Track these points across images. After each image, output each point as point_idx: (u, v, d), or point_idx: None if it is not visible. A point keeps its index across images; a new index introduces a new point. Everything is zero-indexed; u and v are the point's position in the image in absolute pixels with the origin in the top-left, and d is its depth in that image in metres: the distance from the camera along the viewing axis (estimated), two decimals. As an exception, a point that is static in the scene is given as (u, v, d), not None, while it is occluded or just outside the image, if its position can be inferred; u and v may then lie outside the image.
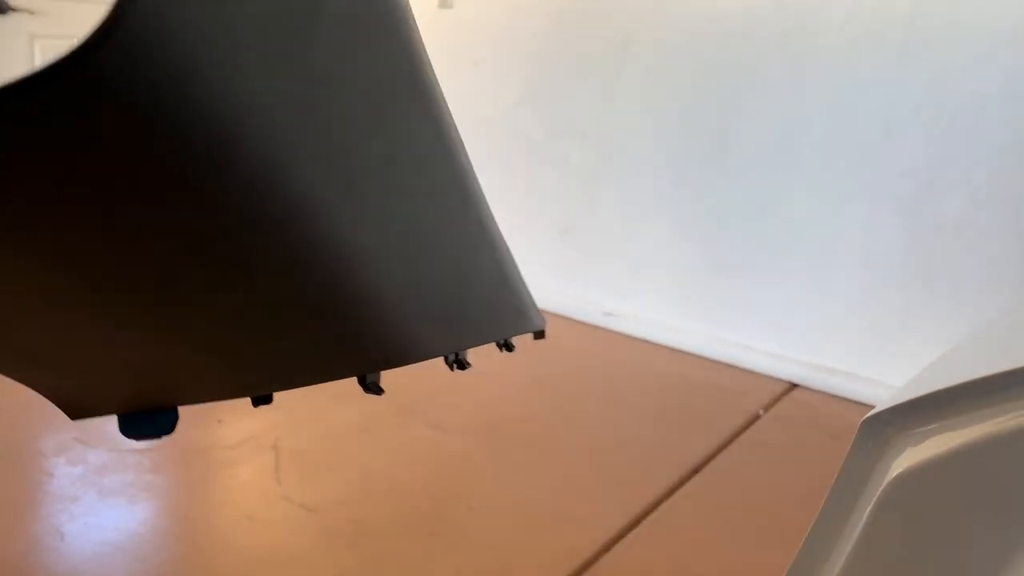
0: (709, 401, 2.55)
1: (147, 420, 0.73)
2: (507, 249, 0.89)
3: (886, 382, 2.54)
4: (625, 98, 2.93)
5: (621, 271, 3.04)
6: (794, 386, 2.66)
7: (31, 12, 3.60)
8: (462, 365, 0.90)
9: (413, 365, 0.76)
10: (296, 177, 0.48)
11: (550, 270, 3.19)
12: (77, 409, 0.70)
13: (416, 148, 0.65)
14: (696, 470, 2.09)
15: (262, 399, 0.79)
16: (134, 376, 0.68)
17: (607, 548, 1.74)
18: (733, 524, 1.87)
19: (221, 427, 2.12)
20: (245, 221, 0.48)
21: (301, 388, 0.83)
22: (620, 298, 3.05)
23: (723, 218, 2.80)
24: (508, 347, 1.01)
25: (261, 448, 2.02)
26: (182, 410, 0.74)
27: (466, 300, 0.85)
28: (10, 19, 3.51)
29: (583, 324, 3.07)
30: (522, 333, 1.03)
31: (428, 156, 0.67)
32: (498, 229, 0.85)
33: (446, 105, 0.68)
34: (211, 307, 0.57)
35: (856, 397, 2.58)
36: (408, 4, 0.59)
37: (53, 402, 0.68)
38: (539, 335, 1.08)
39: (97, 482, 1.82)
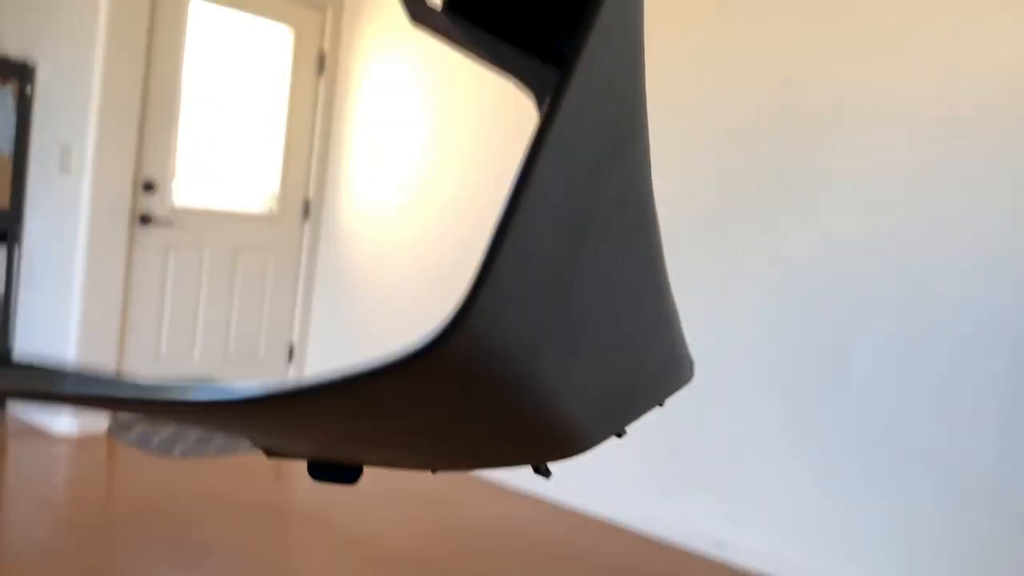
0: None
1: (334, 470, 0.80)
2: (675, 310, 0.91)
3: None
4: (733, 319, 2.90)
5: (734, 497, 2.89)
6: (930, 639, 2.41)
7: (169, 224, 3.86)
8: (619, 435, 0.90)
9: None
10: (538, 369, 0.52)
11: (656, 493, 3.06)
12: (272, 453, 0.79)
13: (635, 287, 0.69)
14: None
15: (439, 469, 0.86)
16: (332, 450, 0.76)
17: None
18: None
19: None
20: (495, 407, 0.54)
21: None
22: (733, 526, 2.88)
23: (844, 446, 2.66)
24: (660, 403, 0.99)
25: None
26: None
27: (641, 386, 0.87)
28: (150, 229, 3.78)
29: (692, 553, 2.89)
30: (676, 391, 1.01)
31: (643, 293, 0.71)
32: (671, 295, 0.87)
33: (658, 230, 0.72)
34: (435, 446, 0.66)
35: (1004, 657, 2.31)
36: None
37: (255, 446, 0.76)
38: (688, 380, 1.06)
39: None
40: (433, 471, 0.86)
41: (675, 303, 0.92)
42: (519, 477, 3.37)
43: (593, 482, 3.20)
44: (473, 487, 3.39)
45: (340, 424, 0.54)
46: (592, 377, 0.68)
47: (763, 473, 2.83)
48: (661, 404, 1.02)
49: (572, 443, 0.71)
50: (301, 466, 3.62)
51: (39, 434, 3.48)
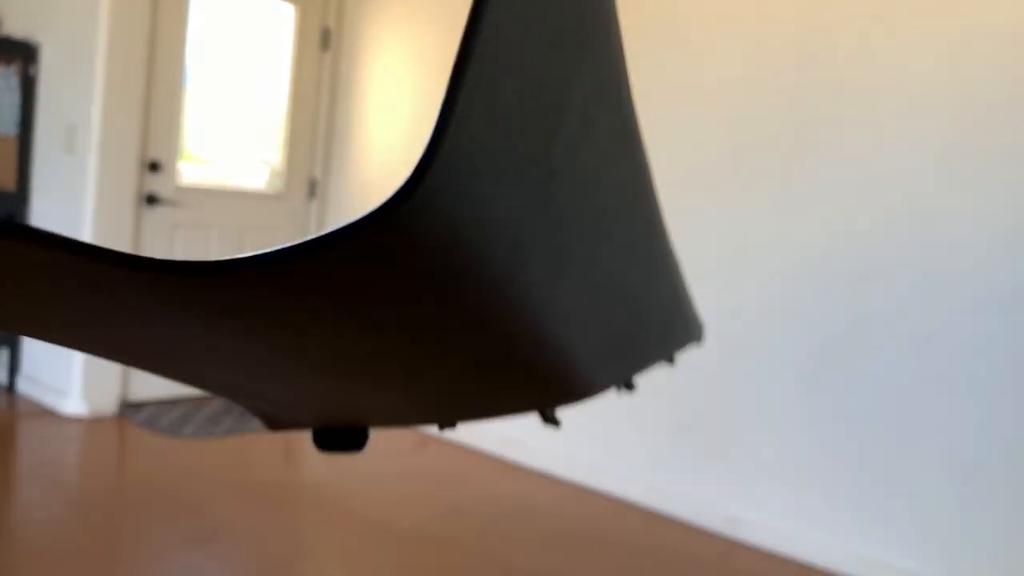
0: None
1: (339, 436, 0.78)
2: (678, 264, 0.91)
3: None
4: (744, 294, 2.88)
5: (746, 474, 2.88)
6: (944, 615, 2.40)
7: (175, 204, 3.85)
8: (630, 387, 0.91)
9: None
10: (523, 270, 0.50)
11: (668, 470, 3.05)
12: (273, 424, 0.77)
13: (622, 205, 0.67)
14: None
15: (448, 425, 0.84)
16: (326, 410, 0.74)
17: None
18: None
19: (325, 632, 2.02)
20: (469, 311, 0.50)
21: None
22: (745, 503, 2.87)
23: (859, 423, 2.64)
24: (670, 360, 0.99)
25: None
26: None
27: (644, 332, 0.86)
28: (156, 209, 3.76)
29: (703, 530, 2.89)
30: (683, 348, 1.01)
31: (633, 208, 0.70)
32: (671, 244, 0.87)
33: (644, 150, 0.71)
34: (418, 380, 0.61)
35: (1018, 632, 2.30)
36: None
37: (254, 415, 0.75)
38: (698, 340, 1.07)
39: None
40: (439, 425, 0.83)
41: (677, 258, 0.92)
42: (530, 454, 3.37)
43: (604, 460, 3.19)
44: (484, 465, 3.39)
45: (306, 336, 0.49)
46: (586, 305, 0.66)
47: (776, 449, 2.81)
48: (671, 360, 1.01)
49: (572, 381, 0.69)
50: (311, 446, 3.63)
51: (49, 415, 3.49)
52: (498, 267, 0.47)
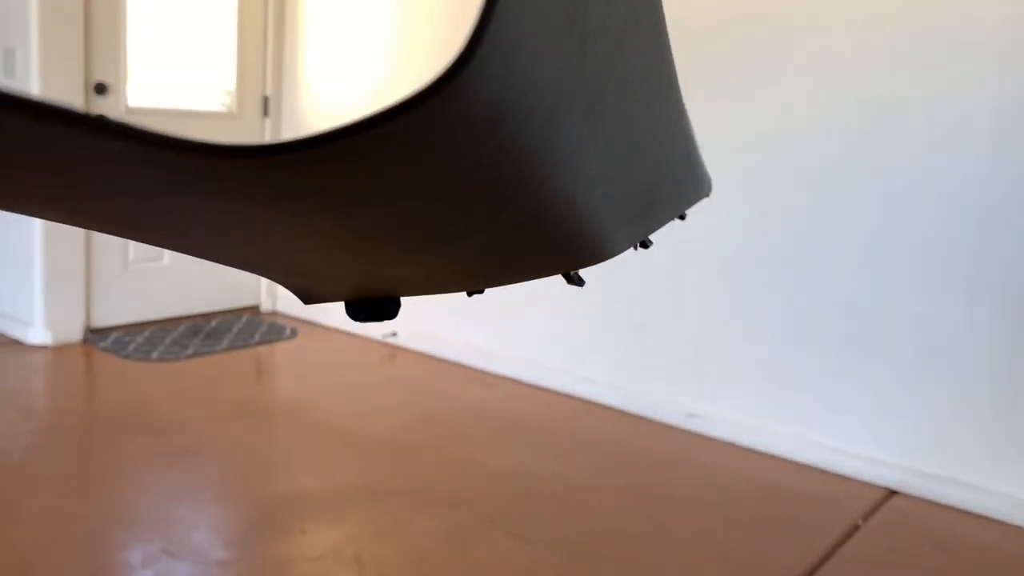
0: (803, 509, 2.43)
1: (372, 306, 0.79)
2: (688, 119, 0.92)
3: (993, 488, 2.39)
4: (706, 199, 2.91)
5: (703, 371, 2.97)
6: (893, 493, 2.53)
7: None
8: (645, 245, 0.92)
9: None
10: (557, 136, 0.50)
11: (629, 370, 3.13)
12: (308, 298, 0.79)
13: (647, 68, 0.69)
14: (796, 587, 1.98)
15: (475, 291, 0.86)
16: (363, 280, 0.76)
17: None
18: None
19: (304, 537, 2.09)
20: (509, 185, 0.51)
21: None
22: (703, 399, 2.97)
23: (811, 317, 2.73)
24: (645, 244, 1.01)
25: (343, 561, 1.99)
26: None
27: (661, 188, 0.87)
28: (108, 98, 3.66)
29: (665, 426, 2.99)
30: (694, 203, 1.03)
31: (655, 74, 0.71)
32: (683, 103, 0.88)
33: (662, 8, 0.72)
34: (456, 248, 0.62)
35: (961, 505, 2.44)
36: None
37: (288, 289, 0.77)
38: (705, 195, 1.08)
39: (182, 596, 1.80)
40: (468, 292, 0.85)
41: (687, 112, 0.93)
42: (496, 362, 3.43)
43: (568, 363, 3.27)
44: (453, 374, 3.45)
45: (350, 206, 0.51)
46: (613, 166, 0.67)
47: (731, 347, 2.90)
48: (682, 216, 1.03)
49: (597, 243, 0.71)
50: (280, 366, 3.67)
51: (13, 344, 3.48)
52: (536, 136, 0.48)
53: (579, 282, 0.82)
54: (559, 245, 0.69)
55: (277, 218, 0.52)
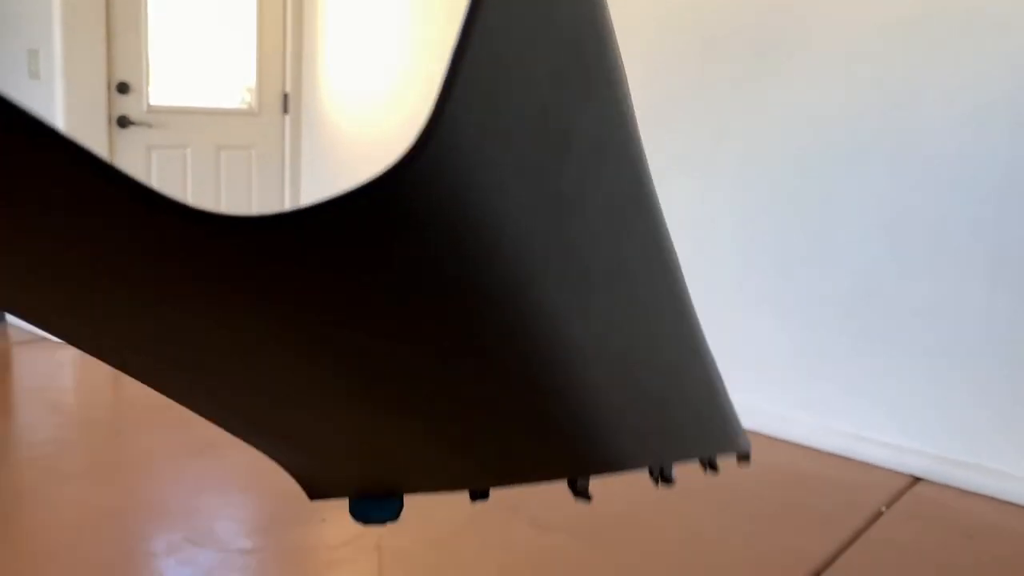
0: (824, 497, 2.42)
1: (375, 506, 0.82)
2: (715, 365, 0.92)
3: (1019, 475, 2.36)
4: (718, 186, 2.90)
5: (727, 359, 2.95)
6: (917, 480, 2.51)
7: (149, 125, 3.81)
8: (668, 480, 0.87)
9: None
10: (537, 285, 0.51)
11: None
12: (315, 491, 0.82)
13: (640, 261, 0.69)
14: (817, 573, 1.97)
15: (480, 495, 0.88)
16: (368, 461, 0.76)
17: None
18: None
19: (325, 526, 2.11)
20: (488, 329, 0.51)
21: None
22: (727, 388, 2.95)
23: (833, 305, 2.70)
24: (713, 467, 0.95)
25: (364, 549, 2.00)
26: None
27: (676, 413, 0.84)
28: (130, 131, 3.73)
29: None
30: (727, 453, 0.97)
31: (650, 269, 0.72)
32: (707, 344, 0.88)
33: (663, 220, 0.73)
34: (447, 405, 0.62)
35: (987, 491, 2.41)
36: (637, 126, 0.66)
37: (297, 482, 0.79)
38: (744, 459, 1.03)
39: (205, 584, 1.82)
40: (471, 492, 0.86)
41: (712, 361, 0.90)
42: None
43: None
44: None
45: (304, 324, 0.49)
46: (617, 371, 0.65)
47: (749, 336, 2.88)
48: (714, 467, 0.97)
49: (602, 438, 0.68)
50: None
51: (41, 342, 3.53)
52: (508, 265, 0.47)
53: (586, 496, 0.80)
54: (559, 426, 0.65)
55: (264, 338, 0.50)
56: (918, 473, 2.52)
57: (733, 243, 2.90)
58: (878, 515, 2.28)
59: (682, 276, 0.79)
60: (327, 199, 0.37)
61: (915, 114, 2.50)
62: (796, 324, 2.78)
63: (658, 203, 0.71)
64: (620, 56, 0.65)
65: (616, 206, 0.63)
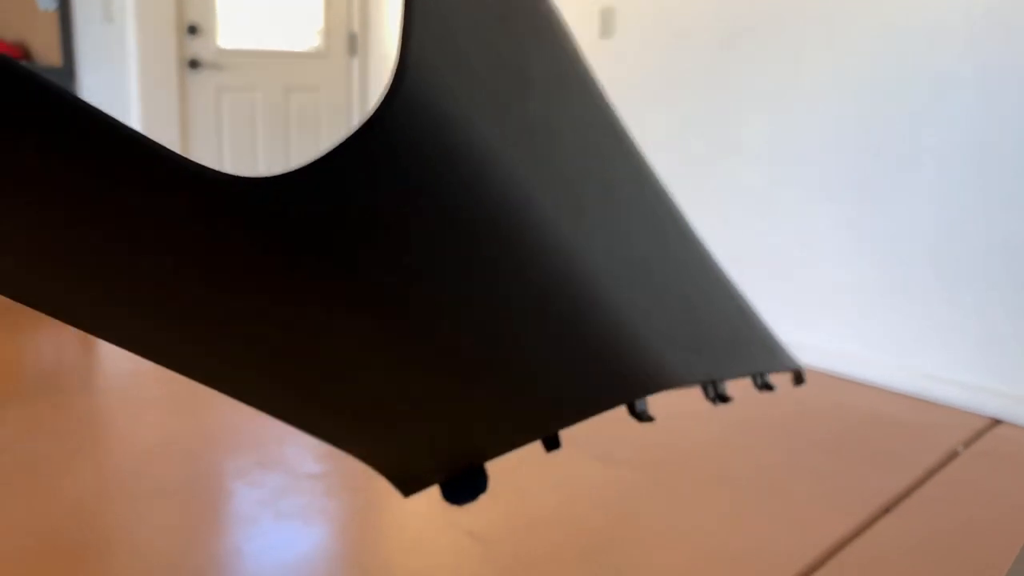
0: (899, 437, 2.35)
1: (463, 485, 0.87)
2: (739, 290, 0.97)
3: (1108, 417, 2.26)
4: (799, 118, 2.80)
5: (797, 298, 2.88)
6: (997, 422, 2.42)
7: (218, 67, 3.85)
8: (723, 398, 0.87)
9: None
10: (535, 207, 0.54)
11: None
12: (407, 484, 0.84)
13: (629, 185, 0.74)
14: (887, 509, 1.92)
15: (552, 443, 0.89)
16: (446, 435, 0.80)
17: (791, 590, 1.61)
18: (931, 567, 1.70)
19: (390, 455, 2.14)
20: (505, 256, 0.54)
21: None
22: (797, 327, 2.88)
23: (911, 240, 2.60)
24: (767, 386, 0.94)
25: (428, 476, 2.02)
26: None
27: (706, 329, 0.86)
28: (200, 74, 3.78)
29: (755, 355, 2.92)
30: (778, 371, 0.99)
31: (641, 193, 0.75)
32: (725, 271, 0.92)
33: (643, 153, 0.79)
34: (496, 351, 0.64)
35: (1072, 434, 2.31)
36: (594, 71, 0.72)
37: (390, 481, 0.81)
38: (799, 379, 1.05)
39: (274, 505, 1.87)
40: (544, 437, 0.84)
41: (745, 297, 0.93)
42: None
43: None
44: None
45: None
46: (630, 287, 0.67)
47: (830, 274, 2.80)
48: (768, 385, 0.94)
49: (639, 356, 0.68)
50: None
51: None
52: (496, 188, 0.50)
53: (647, 418, 0.79)
54: (599, 345, 0.66)
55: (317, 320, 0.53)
56: (998, 415, 2.43)
57: (811, 174, 2.81)
58: (954, 455, 2.21)
59: (678, 207, 0.83)
60: (330, 147, 0.39)
61: (1001, 39, 2.36)
62: (874, 259, 2.69)
63: (633, 138, 0.76)
64: (558, 9, 0.71)
65: (591, 137, 0.68)
